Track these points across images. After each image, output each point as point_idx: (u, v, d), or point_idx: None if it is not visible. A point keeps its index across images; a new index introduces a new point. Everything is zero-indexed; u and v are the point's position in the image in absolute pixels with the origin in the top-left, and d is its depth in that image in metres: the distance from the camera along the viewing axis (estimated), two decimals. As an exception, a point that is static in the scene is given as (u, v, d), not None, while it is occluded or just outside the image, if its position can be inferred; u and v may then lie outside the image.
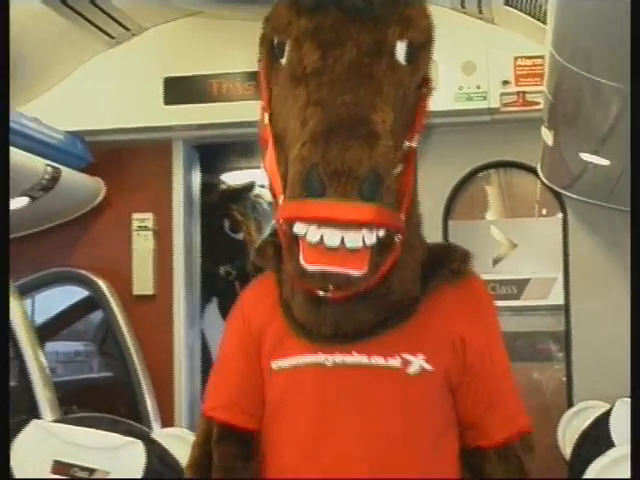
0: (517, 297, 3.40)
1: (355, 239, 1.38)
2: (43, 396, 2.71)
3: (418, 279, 1.67)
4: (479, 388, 1.70)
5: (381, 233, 1.42)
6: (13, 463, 2.45)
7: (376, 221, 1.40)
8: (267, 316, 1.78)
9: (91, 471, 1.93)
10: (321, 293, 1.58)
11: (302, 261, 1.43)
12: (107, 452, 1.95)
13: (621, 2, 1.37)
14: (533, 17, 2.88)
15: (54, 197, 3.06)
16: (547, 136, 2.67)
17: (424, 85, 1.60)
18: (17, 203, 3.10)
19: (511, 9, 2.93)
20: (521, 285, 3.44)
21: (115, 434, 2.14)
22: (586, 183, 3.08)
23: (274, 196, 1.53)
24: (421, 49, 1.53)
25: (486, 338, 1.72)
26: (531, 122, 2.80)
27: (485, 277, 2.25)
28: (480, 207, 3.70)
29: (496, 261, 3.43)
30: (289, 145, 1.48)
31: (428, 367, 1.65)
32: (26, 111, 3.01)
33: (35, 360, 2.83)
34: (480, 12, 3.08)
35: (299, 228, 1.39)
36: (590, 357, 3.09)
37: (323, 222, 1.39)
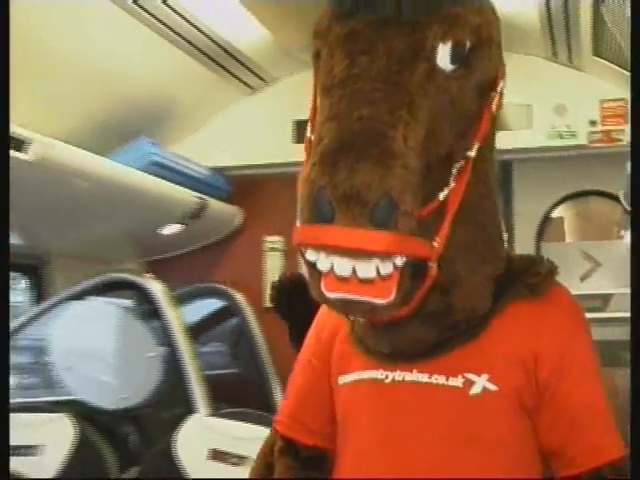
0: (602, 310, 3.65)
1: (367, 269, 1.29)
2: (198, 392, 2.91)
3: (489, 295, 1.57)
4: (558, 410, 1.57)
5: (399, 262, 1.31)
6: (176, 451, 2.83)
7: (387, 250, 1.29)
8: (337, 328, 1.73)
9: (243, 459, 2.04)
10: (351, 318, 1.58)
11: (323, 288, 1.35)
12: (257, 442, 1.85)
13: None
14: (618, 65, 3.09)
15: (201, 223, 3.49)
16: (630, 170, 2.93)
17: (490, 89, 1.48)
18: (171, 229, 3.48)
19: (599, 59, 3.15)
20: (606, 299, 3.68)
21: (261, 427, 2.18)
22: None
23: None
24: (474, 50, 1.41)
25: (565, 352, 1.57)
26: (615, 157, 3.07)
27: (574, 292, 2.64)
28: (569, 231, 4.00)
29: (583, 279, 3.69)
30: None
31: (492, 387, 1.54)
32: (177, 150, 3.41)
33: (191, 360, 3.06)
34: (570, 61, 3.33)
35: (310, 255, 1.31)
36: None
37: (330, 250, 1.31)
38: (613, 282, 3.72)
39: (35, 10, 2.45)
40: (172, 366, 3.14)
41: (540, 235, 3.77)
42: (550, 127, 3.44)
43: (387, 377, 1.58)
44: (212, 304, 3.75)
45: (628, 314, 3.54)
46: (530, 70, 3.36)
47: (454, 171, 1.40)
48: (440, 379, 1.55)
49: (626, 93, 3.13)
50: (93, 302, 3.21)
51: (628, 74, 2.79)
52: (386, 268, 1.26)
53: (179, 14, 2.87)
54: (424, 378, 1.56)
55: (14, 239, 3.32)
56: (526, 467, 1.59)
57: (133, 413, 3.18)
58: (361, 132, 1.28)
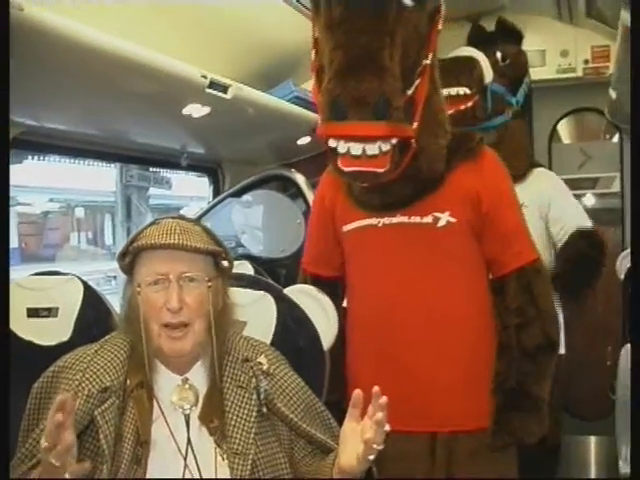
0: (593, 188, 4.30)
1: (373, 148, 1.63)
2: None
3: (443, 159, 1.92)
4: (495, 231, 1.96)
5: (394, 141, 1.65)
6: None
7: (386, 134, 1.62)
8: (336, 193, 2.09)
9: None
10: (358, 184, 1.92)
11: (340, 165, 1.70)
12: (244, 307, 1.95)
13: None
14: (603, 23, 3.77)
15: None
16: (612, 93, 3.39)
17: (437, 14, 1.80)
18: (304, 140, 3.62)
19: (590, 19, 3.85)
20: (595, 180, 4.30)
21: (250, 290, 2.08)
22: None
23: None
24: None
25: (497, 192, 1.96)
26: (602, 85, 3.65)
27: (573, 176, 3.49)
28: (570, 135, 4.65)
29: (579, 167, 4.35)
30: (324, 78, 1.66)
31: (452, 220, 1.92)
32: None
33: None
34: (570, 21, 3.99)
35: (332, 142, 1.66)
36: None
37: (347, 138, 1.63)
38: (600, 169, 4.34)
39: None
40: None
41: (551, 138, 4.36)
42: (557, 65, 4.06)
43: (379, 222, 1.98)
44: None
45: (610, 190, 4.34)
46: (543, 27, 4.00)
47: (417, 73, 1.75)
48: (416, 219, 1.95)
49: (608, 41, 3.78)
50: (258, 190, 3.87)
51: (609, 29, 3.57)
52: (385, 147, 1.64)
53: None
54: (405, 219, 1.96)
55: (200, 149, 3.86)
56: (477, 271, 2.03)
57: (285, 261, 3.73)
58: (361, 55, 1.58)
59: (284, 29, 3.30)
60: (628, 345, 2.44)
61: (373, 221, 1.98)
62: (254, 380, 1.70)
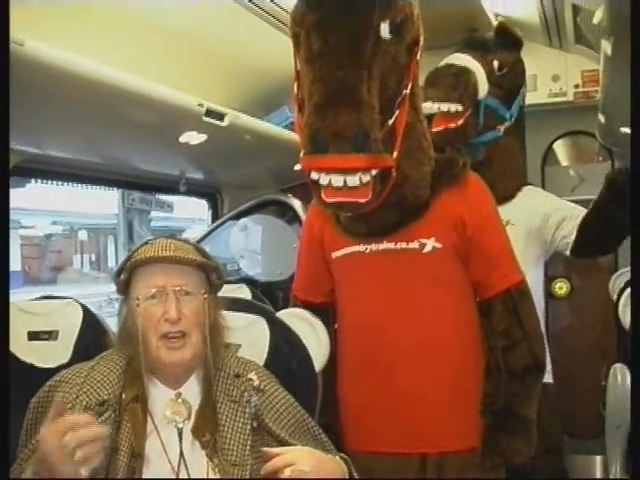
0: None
1: (353, 180, 1.66)
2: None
3: (427, 185, 1.93)
4: (481, 255, 1.98)
5: (374, 172, 1.68)
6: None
7: (366, 166, 1.65)
8: (324, 222, 2.11)
9: (226, 345, 1.89)
10: (342, 214, 1.96)
11: (323, 196, 1.72)
12: (238, 330, 1.99)
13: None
14: (590, 49, 3.71)
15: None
16: (601, 117, 3.36)
17: (415, 45, 1.81)
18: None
19: (579, 45, 3.85)
20: (584, 203, 3.68)
21: (244, 314, 2.10)
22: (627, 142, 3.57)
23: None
24: (403, 23, 1.73)
25: (481, 216, 1.97)
26: (592, 108, 3.52)
27: (567, 198, 3.09)
28: (564, 158, 4.57)
29: (572, 190, 4.23)
30: (305, 111, 1.69)
31: (438, 245, 1.94)
32: None
33: None
34: (561, 47, 4.03)
35: (314, 175, 1.68)
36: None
37: (328, 170, 1.66)
38: (593, 191, 3.56)
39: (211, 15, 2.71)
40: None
41: (544, 161, 4.33)
42: (549, 90, 4.07)
43: (366, 249, 2.00)
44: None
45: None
46: (534, 52, 3.77)
47: (396, 104, 1.76)
48: (402, 245, 1.96)
49: (597, 66, 3.25)
50: (255, 215, 3.93)
51: (596, 54, 3.32)
52: (366, 178, 1.67)
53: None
54: (391, 245, 1.97)
55: (199, 175, 4.02)
56: (464, 294, 2.04)
57: (282, 284, 3.66)
58: (339, 89, 1.61)
59: (280, 56, 3.29)
60: (617, 365, 2.51)
61: (361, 248, 2.00)
62: (246, 394, 1.75)
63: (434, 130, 2.63)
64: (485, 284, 2.00)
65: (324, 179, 1.66)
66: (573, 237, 2.82)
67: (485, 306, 2.01)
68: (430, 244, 1.94)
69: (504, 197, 2.84)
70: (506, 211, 2.63)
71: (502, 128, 2.98)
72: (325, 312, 2.14)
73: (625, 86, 2.27)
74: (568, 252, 2.90)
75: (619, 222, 2.61)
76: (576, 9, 3.36)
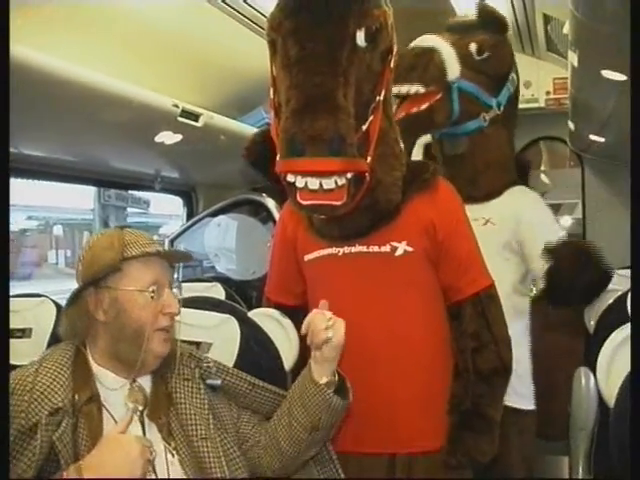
0: (555, 214, 3.39)
1: (329, 183, 1.68)
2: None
3: (399, 190, 1.95)
4: (451, 259, 2.00)
5: (349, 175, 1.69)
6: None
7: (342, 169, 1.67)
8: (297, 224, 2.11)
9: (197, 344, 1.99)
10: (316, 216, 1.95)
11: (298, 199, 1.73)
12: (209, 329, 2.05)
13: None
14: (561, 56, 3.77)
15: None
16: (570, 124, 3.58)
17: (389, 54, 1.83)
18: None
19: (550, 53, 3.96)
20: (555, 207, 3.97)
21: (214, 313, 2.14)
22: (596, 149, 3.81)
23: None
24: (378, 32, 1.75)
25: (452, 221, 2.00)
26: (562, 115, 3.74)
27: None
28: (535, 163, 4.56)
29: (543, 194, 3.45)
30: (281, 115, 1.69)
31: (409, 249, 1.96)
32: None
33: None
34: (533, 54, 4.11)
35: (290, 177, 1.69)
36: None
37: (305, 173, 1.67)
38: (564, 196, 4.49)
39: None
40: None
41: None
42: (521, 96, 3.35)
43: (339, 252, 2.02)
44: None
45: (572, 216, 4.32)
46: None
47: (370, 110, 1.78)
48: (374, 248, 1.97)
49: (567, 72, 3.20)
50: (229, 214, 4.04)
51: (566, 60, 3.20)
52: (341, 181, 1.69)
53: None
54: (364, 249, 1.99)
55: (174, 174, 4.05)
56: (434, 297, 2.06)
57: (256, 283, 3.81)
58: (316, 94, 1.62)
59: (255, 57, 3.21)
60: (582, 368, 2.49)
61: (333, 250, 2.02)
62: (197, 370, 1.79)
63: (397, 118, 2.32)
64: (455, 288, 2.03)
65: (300, 181, 1.69)
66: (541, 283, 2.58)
67: (455, 309, 2.04)
68: (402, 248, 1.96)
69: (487, 194, 2.67)
70: (488, 209, 2.58)
71: (487, 117, 2.65)
72: (297, 314, 2.15)
73: (592, 95, 2.50)
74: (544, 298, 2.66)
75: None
76: (547, 18, 3.41)
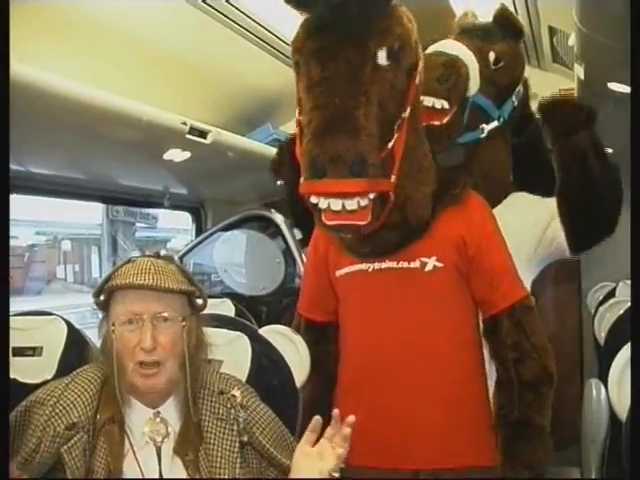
0: None
1: (352, 204, 1.67)
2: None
3: (429, 206, 1.94)
4: (483, 274, 1.99)
5: (372, 196, 1.69)
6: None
7: (363, 190, 1.66)
8: (329, 241, 2.12)
9: (208, 361, 1.91)
10: (342, 236, 1.95)
11: (324, 219, 1.74)
12: (220, 347, 2.02)
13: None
14: (567, 68, 3.78)
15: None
16: None
17: (414, 70, 1.81)
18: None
19: (556, 64, 3.96)
20: None
21: (226, 330, 2.13)
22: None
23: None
24: (400, 49, 1.74)
25: (482, 236, 1.99)
26: None
27: None
28: None
29: None
30: (305, 136, 1.67)
31: (439, 264, 1.96)
32: (290, 128, 3.37)
33: (301, 263, 3.54)
34: (539, 66, 4.12)
35: (313, 199, 1.69)
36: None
37: (326, 195, 1.67)
38: None
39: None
40: (289, 269, 3.86)
41: None
42: None
43: (369, 268, 2.03)
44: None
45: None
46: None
47: (396, 127, 1.75)
48: (404, 264, 1.98)
49: (573, 84, 3.40)
50: (239, 230, 4.00)
51: (571, 72, 3.33)
52: (364, 202, 1.67)
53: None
54: (393, 264, 1.99)
55: (183, 190, 4.08)
56: (465, 312, 2.05)
57: (266, 298, 3.89)
58: (337, 115, 1.61)
59: (262, 74, 3.39)
60: (593, 380, 2.49)
61: (363, 266, 2.02)
62: (232, 411, 1.74)
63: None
64: (489, 301, 2.01)
65: (323, 203, 1.68)
66: (562, 233, 2.42)
67: (491, 323, 2.02)
68: (431, 263, 1.96)
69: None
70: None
71: (486, 129, 2.48)
72: (328, 330, 2.18)
73: (599, 108, 2.42)
74: (568, 252, 2.49)
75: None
76: (552, 30, 3.43)
